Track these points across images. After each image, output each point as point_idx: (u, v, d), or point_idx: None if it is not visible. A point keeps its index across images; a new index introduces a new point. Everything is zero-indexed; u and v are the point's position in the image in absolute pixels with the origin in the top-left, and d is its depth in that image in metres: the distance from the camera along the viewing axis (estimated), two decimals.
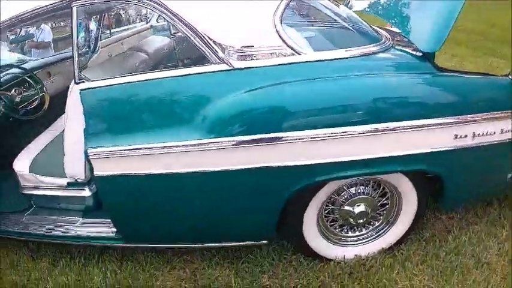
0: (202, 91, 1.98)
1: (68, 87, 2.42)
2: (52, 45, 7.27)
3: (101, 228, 2.54)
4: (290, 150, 1.92)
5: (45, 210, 2.91)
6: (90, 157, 2.06)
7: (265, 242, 2.35)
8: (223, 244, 2.37)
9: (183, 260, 2.59)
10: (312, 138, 1.88)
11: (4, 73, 3.40)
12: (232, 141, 1.88)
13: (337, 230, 2.45)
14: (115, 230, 2.46)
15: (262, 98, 1.92)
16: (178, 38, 3.60)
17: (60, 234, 2.65)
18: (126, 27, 4.66)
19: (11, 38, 6.46)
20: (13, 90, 3.25)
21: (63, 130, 2.94)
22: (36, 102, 3.31)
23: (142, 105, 2.06)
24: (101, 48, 4.18)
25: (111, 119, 2.09)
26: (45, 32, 7.05)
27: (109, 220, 2.51)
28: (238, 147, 1.89)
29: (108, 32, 4.31)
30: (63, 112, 3.51)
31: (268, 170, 1.95)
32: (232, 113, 1.90)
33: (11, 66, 3.60)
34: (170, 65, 3.04)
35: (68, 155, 2.53)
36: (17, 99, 3.22)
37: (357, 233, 2.46)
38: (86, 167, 2.49)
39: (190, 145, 1.92)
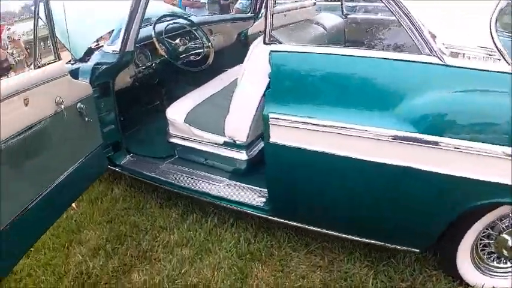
0: (407, 80, 1.96)
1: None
2: (207, 6, 7.77)
3: (248, 195, 2.63)
4: (484, 164, 1.85)
5: (187, 162, 3.08)
6: (270, 122, 2.13)
7: (416, 250, 2.31)
8: (371, 241, 2.36)
9: (322, 246, 2.62)
10: (507, 155, 1.79)
11: (171, 22, 3.66)
12: (428, 140, 1.83)
13: (485, 256, 2.30)
14: (264, 199, 2.53)
15: (470, 102, 1.86)
16: (371, 21, 3.68)
17: (199, 189, 2.79)
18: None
19: None
20: (178, 40, 3.49)
21: (223, 88, 3.16)
22: (201, 55, 3.58)
23: (332, 80, 2.07)
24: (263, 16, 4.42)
25: (298, 87, 2.11)
26: None
27: (259, 188, 2.62)
28: (431, 147, 1.87)
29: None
30: (221, 70, 3.79)
31: (456, 178, 1.89)
32: (439, 111, 1.83)
33: (178, 16, 3.86)
34: (365, 45, 3.07)
35: (233, 113, 2.62)
36: (181, 48, 3.45)
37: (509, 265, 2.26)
38: (251, 130, 2.60)
39: (380, 134, 1.90)
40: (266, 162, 2.29)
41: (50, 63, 2.40)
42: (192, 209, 3.08)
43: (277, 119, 2.12)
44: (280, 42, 2.20)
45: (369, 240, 2.37)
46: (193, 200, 3.08)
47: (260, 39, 2.31)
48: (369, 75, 2.01)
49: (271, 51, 2.16)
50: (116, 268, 2.71)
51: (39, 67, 2.33)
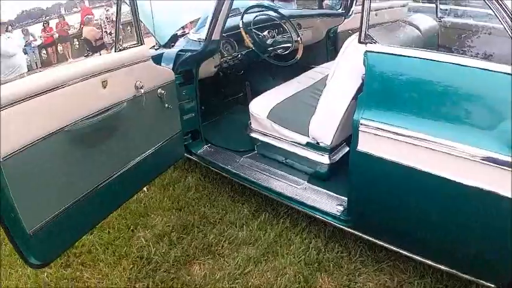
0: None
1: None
2: (295, 0, 7.72)
3: (325, 201, 2.51)
4: None
5: (265, 159, 3.01)
6: (360, 129, 1.99)
7: (493, 286, 2.03)
8: (446, 268, 2.16)
9: (393, 265, 2.48)
10: None
11: (260, 13, 3.58)
12: None
13: None
14: (341, 208, 2.40)
15: None
16: (467, 26, 3.42)
17: (275, 189, 2.70)
18: None
19: None
20: (266, 32, 3.41)
21: (310, 86, 3.06)
22: (289, 50, 3.49)
23: (431, 89, 1.88)
24: (356, 13, 4.25)
25: (393, 93, 1.96)
26: None
27: (338, 196, 2.50)
28: None
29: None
30: (307, 67, 3.70)
31: None
32: None
33: (267, 8, 3.78)
34: (463, 52, 2.88)
35: (319, 114, 2.51)
36: (269, 41, 3.35)
37: None
38: (336, 133, 2.47)
39: (474, 154, 1.73)
40: (350, 170, 2.18)
41: (132, 47, 2.43)
42: (264, 208, 3.01)
43: (368, 126, 1.98)
44: (376, 42, 2.06)
45: (444, 267, 2.16)
46: (267, 198, 3.01)
47: (354, 37, 2.15)
48: (473, 88, 1.81)
49: (367, 51, 2.02)
50: (178, 258, 2.70)
51: (120, 50, 2.36)
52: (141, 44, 2.46)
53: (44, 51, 13.78)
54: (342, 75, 2.33)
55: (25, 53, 11.24)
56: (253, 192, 3.13)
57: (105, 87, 2.17)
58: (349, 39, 2.28)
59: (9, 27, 6.20)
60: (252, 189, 2.94)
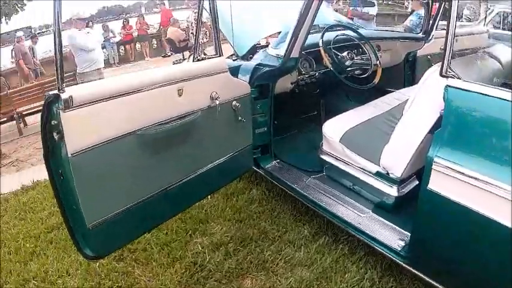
0: None
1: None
2: (375, 19, 7.66)
3: (387, 234, 2.46)
4: None
5: (333, 183, 2.99)
6: (433, 167, 1.93)
7: None
8: None
9: None
10: None
11: (340, 33, 3.58)
12: None
13: None
14: (403, 244, 2.35)
15: None
16: None
17: (338, 214, 2.68)
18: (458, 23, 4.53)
19: None
20: (345, 52, 3.38)
21: (386, 111, 3.03)
22: (368, 73, 3.42)
23: None
24: (436, 38, 4.14)
25: (472, 134, 1.88)
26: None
27: (402, 230, 2.44)
28: None
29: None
30: (384, 91, 3.66)
31: None
32: None
33: (348, 27, 3.76)
34: None
35: (393, 144, 2.48)
36: (347, 62, 3.31)
37: None
38: (408, 166, 2.42)
39: None
40: (418, 207, 2.11)
41: (210, 57, 2.51)
42: (325, 231, 2.99)
43: (442, 165, 1.90)
44: (459, 77, 2.01)
45: None
46: (329, 222, 2.97)
47: (436, 68, 2.10)
48: None
49: (448, 86, 1.96)
50: (231, 269, 2.74)
51: (198, 60, 2.45)
52: (220, 56, 2.54)
53: (122, 48, 14.50)
54: (420, 107, 2.29)
55: (104, 48, 11.84)
56: (315, 214, 3.11)
57: (180, 95, 2.25)
58: (431, 69, 2.23)
59: (90, 23, 6.52)
60: (315, 210, 2.93)
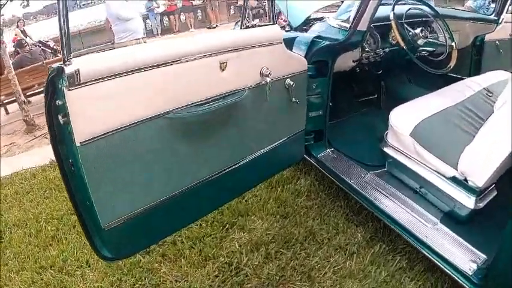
0: None
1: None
2: None
3: (457, 251, 2.03)
4: None
5: (395, 181, 2.55)
6: None
7: None
8: None
9: None
10: None
11: (413, 6, 3.07)
12: None
13: None
14: (475, 266, 1.92)
15: None
16: None
17: (400, 221, 2.26)
18: None
19: None
20: (418, 29, 2.91)
21: (460, 102, 2.56)
22: (443, 56, 2.92)
23: None
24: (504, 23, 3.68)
25: None
26: None
27: (475, 249, 2.00)
28: None
29: None
30: (450, 76, 3.13)
31: None
32: None
33: (422, 1, 3.33)
34: None
35: (477, 147, 2.05)
36: (420, 41, 2.85)
37: None
38: (493, 175, 1.99)
39: None
40: (508, 227, 1.66)
41: (262, 25, 2.09)
42: (381, 237, 2.58)
43: None
44: None
45: None
46: (386, 226, 2.54)
47: None
48: None
49: None
50: (271, 276, 2.37)
51: (247, 27, 2.03)
52: (274, 23, 2.11)
53: (166, 19, 14.31)
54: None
55: (147, 18, 11.60)
56: (371, 216, 2.68)
57: (223, 69, 1.85)
58: None
59: None
60: (372, 212, 2.50)
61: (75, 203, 1.62)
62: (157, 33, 13.02)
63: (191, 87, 1.76)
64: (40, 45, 9.87)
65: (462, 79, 3.07)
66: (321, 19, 2.91)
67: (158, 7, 12.88)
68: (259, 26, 2.07)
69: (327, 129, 2.88)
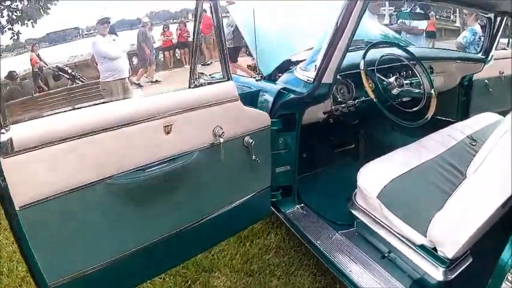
0: None
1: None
2: (424, 34, 6.91)
3: None
4: None
5: (364, 243, 2.35)
6: (509, 278, 1.36)
7: None
8: None
9: None
10: None
11: (387, 52, 2.89)
12: None
13: None
14: None
15: None
16: None
17: (362, 287, 2.07)
18: None
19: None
20: (392, 78, 2.72)
21: (439, 156, 2.37)
22: (420, 105, 2.70)
23: None
24: (494, 60, 3.48)
25: None
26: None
27: None
28: None
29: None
30: (437, 118, 2.98)
31: None
32: None
33: (397, 45, 3.06)
34: None
35: (448, 212, 1.86)
36: (394, 91, 2.67)
37: None
38: (464, 245, 1.80)
39: None
40: None
41: (213, 82, 1.95)
42: None
43: None
44: None
45: None
46: None
47: None
48: None
49: None
50: None
51: (196, 86, 1.88)
52: (228, 79, 1.96)
53: (161, 54, 14.19)
54: (493, 171, 1.76)
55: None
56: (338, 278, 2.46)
57: (168, 132, 1.75)
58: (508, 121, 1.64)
59: (114, 29, 6.14)
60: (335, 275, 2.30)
61: (25, 258, 1.54)
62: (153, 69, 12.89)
63: (133, 152, 1.67)
64: (57, 70, 9.76)
65: (451, 122, 2.94)
66: (291, 67, 2.72)
67: (154, 42, 12.78)
68: (211, 82, 1.89)
69: (298, 183, 2.68)
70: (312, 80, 2.30)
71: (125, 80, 5.91)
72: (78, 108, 1.73)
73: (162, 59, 14.23)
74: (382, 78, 2.69)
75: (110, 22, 5.94)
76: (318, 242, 2.39)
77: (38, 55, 10.21)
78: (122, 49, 6.06)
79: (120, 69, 5.85)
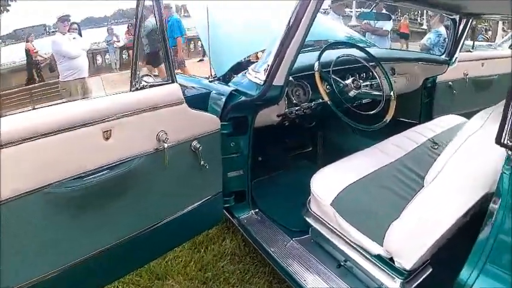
0: None
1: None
2: (390, 36, 6.85)
3: None
4: None
5: (319, 250, 2.22)
6: None
7: None
8: None
9: None
10: None
11: (343, 53, 2.76)
12: None
13: None
14: None
15: None
16: None
17: None
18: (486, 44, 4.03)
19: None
20: (349, 80, 2.56)
21: (397, 160, 2.26)
22: (378, 108, 2.57)
23: None
24: (458, 62, 3.40)
25: None
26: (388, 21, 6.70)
27: None
28: None
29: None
30: (399, 121, 2.94)
31: None
32: None
33: (354, 46, 2.93)
34: None
35: (405, 222, 1.75)
36: (351, 93, 2.52)
37: None
38: (423, 256, 1.69)
39: None
40: None
41: (156, 84, 1.81)
42: None
43: None
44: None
45: None
46: None
47: (477, 122, 1.58)
48: None
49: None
50: None
51: (137, 89, 1.74)
52: (172, 82, 1.83)
53: (125, 53, 13.85)
54: (455, 177, 1.66)
55: (107, 52, 11.20)
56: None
57: (107, 138, 1.61)
58: (473, 125, 1.54)
59: (75, 25, 5.93)
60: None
61: None
62: (116, 68, 12.57)
63: (70, 159, 1.54)
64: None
65: (414, 124, 2.85)
66: (245, 68, 2.57)
67: (118, 41, 12.44)
68: (154, 85, 1.74)
69: (252, 188, 2.55)
70: (262, 82, 2.14)
71: (84, 80, 5.67)
72: (20, 113, 1.55)
73: (126, 58, 13.93)
74: (338, 80, 2.55)
75: (70, 20, 5.73)
76: (272, 250, 2.26)
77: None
78: (82, 47, 5.83)
79: (80, 68, 5.66)
